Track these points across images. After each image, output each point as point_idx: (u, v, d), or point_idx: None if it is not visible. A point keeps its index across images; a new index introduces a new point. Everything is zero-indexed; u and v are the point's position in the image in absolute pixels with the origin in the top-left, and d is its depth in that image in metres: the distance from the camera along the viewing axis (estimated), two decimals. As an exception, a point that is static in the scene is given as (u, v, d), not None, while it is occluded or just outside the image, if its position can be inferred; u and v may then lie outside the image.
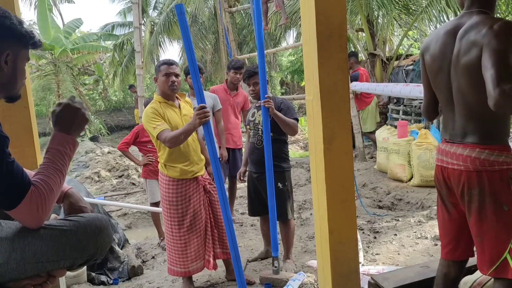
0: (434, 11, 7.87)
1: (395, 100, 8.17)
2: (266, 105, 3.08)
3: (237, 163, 4.66)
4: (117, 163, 8.96)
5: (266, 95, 3.11)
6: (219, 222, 3.24)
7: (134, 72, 13.69)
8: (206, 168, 3.32)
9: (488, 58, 1.60)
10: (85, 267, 3.41)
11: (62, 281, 2.47)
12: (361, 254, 3.34)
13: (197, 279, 3.41)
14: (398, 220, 4.35)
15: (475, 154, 1.75)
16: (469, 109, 1.77)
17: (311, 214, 4.67)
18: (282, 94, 19.98)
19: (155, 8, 19.75)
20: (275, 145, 3.25)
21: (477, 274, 2.20)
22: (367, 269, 3.12)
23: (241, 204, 5.54)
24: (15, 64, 1.33)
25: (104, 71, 20.38)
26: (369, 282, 2.49)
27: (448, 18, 8.07)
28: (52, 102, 15.50)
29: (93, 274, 3.64)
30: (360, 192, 5.38)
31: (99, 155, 9.98)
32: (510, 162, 1.74)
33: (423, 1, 8.33)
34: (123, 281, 3.72)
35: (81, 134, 1.46)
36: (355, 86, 6.41)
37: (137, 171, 8.32)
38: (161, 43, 16.22)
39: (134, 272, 3.80)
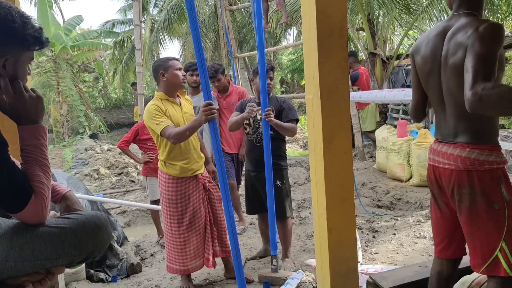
0: (434, 11, 7.88)
1: (395, 100, 8.17)
2: (267, 119, 3.08)
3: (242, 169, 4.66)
4: (116, 160, 8.96)
5: (266, 109, 3.09)
6: (218, 220, 3.24)
7: (134, 69, 13.69)
8: (205, 166, 3.32)
9: (469, 60, 1.62)
10: (84, 264, 3.41)
11: (60, 278, 2.47)
12: (360, 253, 3.34)
13: (196, 277, 3.42)
14: (397, 219, 4.36)
15: (465, 153, 1.77)
16: (459, 110, 1.79)
17: (310, 213, 4.68)
18: (282, 93, 19.97)
19: (155, 5, 19.71)
20: (274, 143, 3.25)
21: (475, 274, 2.21)
22: (366, 268, 3.13)
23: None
24: (15, 67, 1.28)
25: (104, 69, 20.37)
26: (367, 281, 2.49)
27: (448, 18, 8.08)
28: (52, 99, 15.50)
29: (92, 271, 3.64)
30: (359, 192, 5.38)
31: (98, 153, 9.98)
32: (500, 162, 1.76)
33: (424, 1, 8.34)
34: (121, 279, 3.72)
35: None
36: (353, 97, 6.41)
37: (137, 168, 8.32)
38: (161, 41, 16.20)
39: (133, 270, 3.80)
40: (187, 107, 3.22)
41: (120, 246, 4.07)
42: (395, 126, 6.34)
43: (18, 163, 1.30)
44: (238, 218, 4.59)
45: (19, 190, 1.20)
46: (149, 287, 3.41)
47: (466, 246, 1.94)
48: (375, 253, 3.54)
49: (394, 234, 3.92)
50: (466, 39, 1.68)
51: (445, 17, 7.78)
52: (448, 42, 1.79)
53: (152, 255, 4.26)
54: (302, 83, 18.99)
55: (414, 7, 8.63)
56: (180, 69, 3.08)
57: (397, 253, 3.52)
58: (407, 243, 3.69)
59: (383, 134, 6.28)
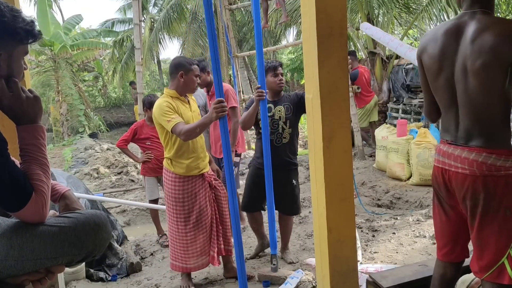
0: (434, 10, 7.88)
1: (394, 99, 8.18)
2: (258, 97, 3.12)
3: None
4: (116, 159, 8.95)
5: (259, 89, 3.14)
6: (224, 218, 3.25)
7: (133, 69, 13.70)
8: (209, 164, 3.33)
9: None
10: (83, 263, 3.41)
11: (60, 277, 2.47)
12: (359, 252, 3.35)
13: (195, 276, 3.42)
14: (396, 218, 4.36)
15: (482, 158, 1.72)
16: (476, 112, 1.74)
17: (310, 212, 4.68)
18: (282, 92, 19.93)
19: (155, 5, 19.73)
20: (291, 141, 3.40)
21: (475, 273, 2.21)
22: (366, 267, 3.13)
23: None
24: (9, 63, 1.27)
25: (103, 68, 20.36)
26: (367, 280, 2.49)
27: (448, 17, 8.07)
28: (51, 98, 15.49)
29: (92, 270, 3.64)
30: (359, 191, 5.39)
31: (98, 152, 9.97)
32: None
33: (424, 0, 8.33)
34: (121, 278, 3.72)
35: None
36: (366, 29, 6.59)
37: (136, 168, 8.31)
38: (161, 40, 16.22)
39: (133, 269, 3.80)
40: (194, 106, 3.24)
41: (120, 245, 4.07)
42: (394, 125, 6.34)
43: (17, 162, 1.30)
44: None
45: (20, 189, 1.19)
46: (148, 286, 3.41)
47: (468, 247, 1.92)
48: (375, 252, 3.55)
49: (394, 233, 3.92)
50: (500, 42, 1.64)
51: (445, 16, 7.79)
52: (471, 42, 1.71)
53: (152, 254, 4.26)
54: (302, 82, 18.99)
55: (413, 6, 8.64)
56: (197, 76, 3.16)
57: (397, 252, 3.52)
58: (406, 242, 3.69)
59: (382, 133, 6.28)
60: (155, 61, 22.56)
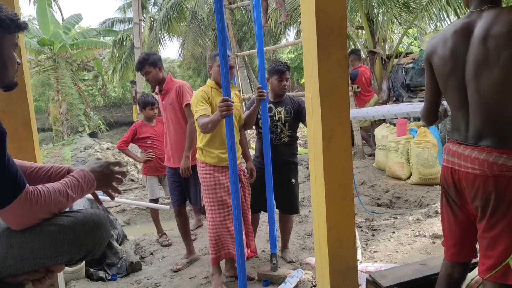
0: (434, 9, 7.87)
1: (394, 98, 8.17)
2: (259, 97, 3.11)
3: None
4: (116, 159, 8.95)
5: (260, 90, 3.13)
6: (245, 216, 3.20)
7: (133, 68, 13.65)
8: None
9: None
10: (83, 262, 3.41)
11: (60, 276, 2.47)
12: (359, 251, 3.35)
13: (195, 276, 3.42)
14: (396, 218, 4.36)
15: (493, 158, 1.70)
16: (488, 111, 1.73)
17: (309, 211, 4.68)
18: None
19: (154, 4, 19.70)
20: (290, 142, 3.42)
21: (475, 272, 2.20)
22: (365, 266, 3.13)
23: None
24: (0, 52, 1.28)
25: (103, 67, 20.35)
26: (367, 279, 2.49)
27: (448, 16, 8.07)
28: (51, 97, 15.50)
29: (92, 269, 3.64)
30: (359, 190, 5.39)
31: (98, 151, 9.98)
32: None
33: (423, -1, 8.32)
34: (121, 277, 3.72)
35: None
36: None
37: (136, 167, 8.31)
38: (160, 39, 16.19)
39: (133, 268, 3.80)
40: (235, 100, 3.12)
41: (119, 245, 4.07)
42: (394, 125, 6.34)
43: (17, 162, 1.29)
44: None
45: (11, 182, 1.16)
46: (148, 286, 3.41)
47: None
48: (375, 252, 3.55)
49: (394, 232, 3.92)
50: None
51: (445, 16, 7.79)
52: (483, 41, 1.69)
53: (151, 253, 4.26)
54: (301, 82, 19.01)
55: (413, 6, 8.62)
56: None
57: (397, 252, 3.53)
58: (406, 242, 3.70)
59: (382, 132, 6.28)
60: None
